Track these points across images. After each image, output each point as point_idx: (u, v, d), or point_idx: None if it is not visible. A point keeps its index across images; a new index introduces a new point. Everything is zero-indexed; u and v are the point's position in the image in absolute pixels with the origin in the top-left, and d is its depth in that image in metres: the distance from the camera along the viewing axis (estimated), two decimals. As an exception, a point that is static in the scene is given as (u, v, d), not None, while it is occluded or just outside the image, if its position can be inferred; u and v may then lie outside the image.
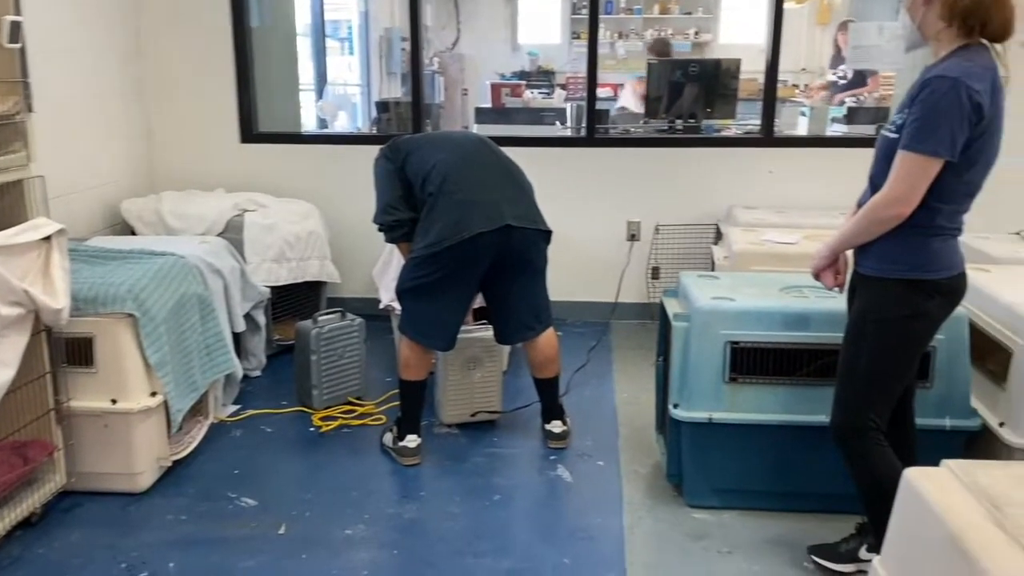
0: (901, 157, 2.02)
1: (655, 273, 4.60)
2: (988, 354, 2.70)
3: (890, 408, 2.23)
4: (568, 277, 4.65)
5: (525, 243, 2.97)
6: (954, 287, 2.16)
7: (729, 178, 4.50)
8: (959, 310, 2.57)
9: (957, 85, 1.92)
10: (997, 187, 4.31)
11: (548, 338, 3.17)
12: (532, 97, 6.41)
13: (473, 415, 3.34)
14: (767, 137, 4.50)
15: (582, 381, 3.84)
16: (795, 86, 8.01)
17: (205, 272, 3.29)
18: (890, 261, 2.13)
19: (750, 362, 2.63)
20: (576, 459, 3.10)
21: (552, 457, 3.11)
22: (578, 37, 9.29)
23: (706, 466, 2.72)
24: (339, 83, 7.85)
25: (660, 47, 6.58)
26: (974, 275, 2.97)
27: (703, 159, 4.53)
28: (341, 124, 6.71)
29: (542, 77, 9.14)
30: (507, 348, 3.73)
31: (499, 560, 2.45)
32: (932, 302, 2.15)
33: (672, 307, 2.88)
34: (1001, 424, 2.57)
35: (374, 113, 5.81)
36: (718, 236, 4.27)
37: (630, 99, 6.05)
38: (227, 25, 4.52)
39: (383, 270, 3.87)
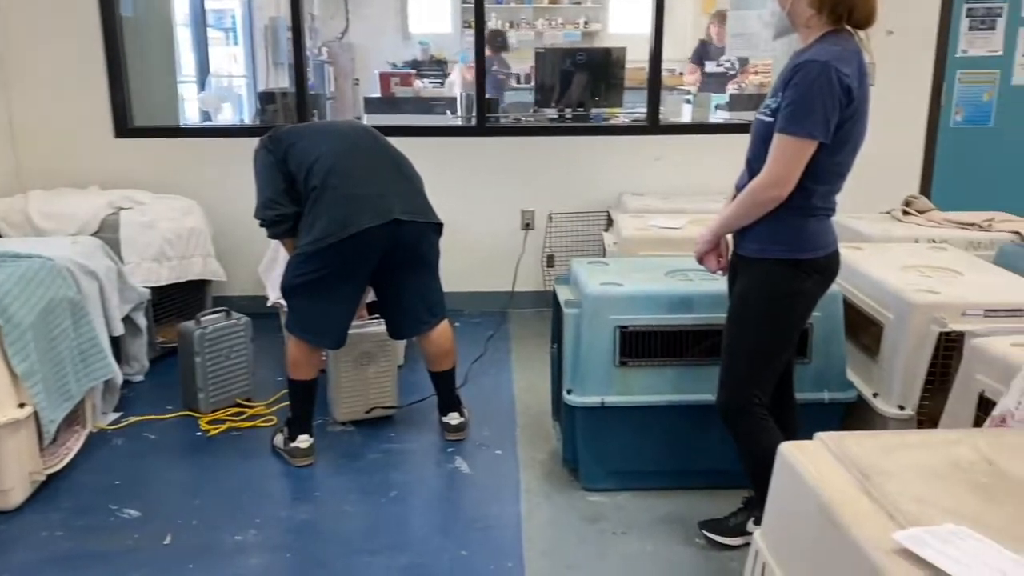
0: (777, 140, 2.08)
1: (550, 261, 4.63)
2: (862, 329, 2.83)
3: (772, 384, 2.30)
4: (464, 267, 4.64)
5: (415, 237, 2.92)
6: (829, 265, 2.24)
7: (618, 166, 4.56)
8: (833, 288, 2.68)
9: (827, 68, 1.99)
10: (870, 168, 4.54)
11: (443, 331, 3.14)
12: (423, 87, 6.34)
13: (368, 411, 3.28)
14: (653, 125, 4.59)
15: (480, 371, 3.83)
16: (682, 74, 8.20)
17: (77, 274, 3.12)
18: (769, 242, 2.19)
19: (639, 345, 2.67)
20: (474, 450, 3.09)
21: (450, 449, 3.09)
22: (469, 26, 9.24)
23: (600, 449, 2.75)
24: (223, 74, 7.58)
25: (495, 39, 6.60)
26: (848, 253, 3.11)
27: (593, 147, 4.58)
28: (226, 117, 6.48)
29: (434, 66, 9.07)
30: (402, 342, 3.68)
31: (395, 557, 2.41)
32: (809, 280, 2.22)
33: (564, 294, 2.89)
34: (875, 395, 2.70)
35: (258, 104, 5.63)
36: (609, 223, 4.32)
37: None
38: (95, 15, 4.28)
39: (269, 266, 3.76)
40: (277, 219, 2.92)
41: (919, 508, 1.28)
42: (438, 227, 3.02)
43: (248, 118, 7.04)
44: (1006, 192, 4.43)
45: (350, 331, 3.02)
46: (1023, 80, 4.59)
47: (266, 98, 5.34)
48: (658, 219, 3.76)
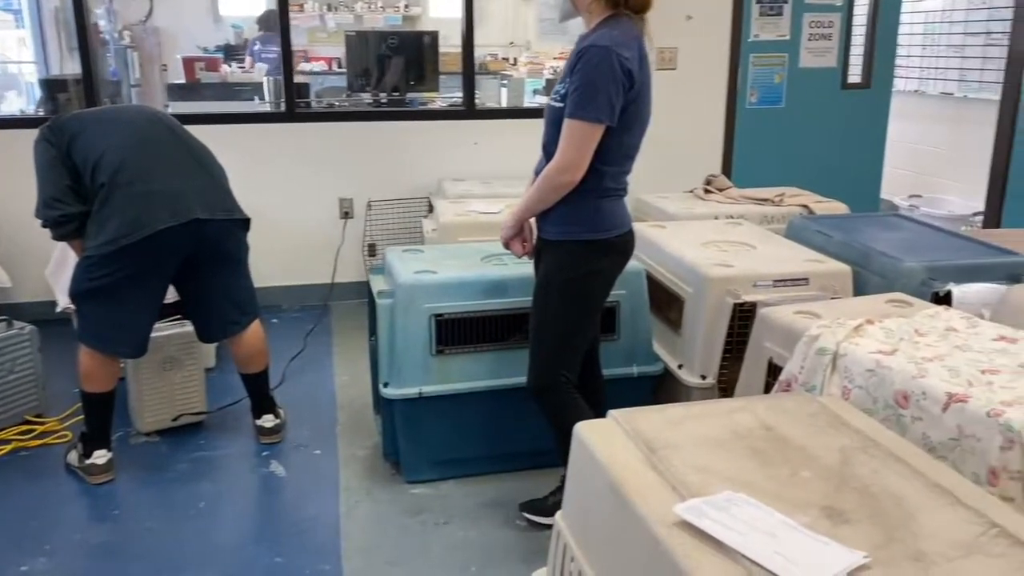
0: (567, 125, 2.10)
1: (371, 250, 4.53)
2: (666, 304, 2.94)
3: (579, 362, 2.34)
4: (280, 261, 4.46)
5: (219, 235, 2.75)
6: (624, 244, 2.30)
7: (437, 151, 4.52)
8: (636, 265, 2.78)
9: (608, 53, 2.03)
10: (676, 149, 4.73)
11: (254, 331, 2.98)
12: (231, 71, 6.03)
13: (175, 419, 3.08)
14: (470, 110, 4.58)
15: (299, 368, 3.69)
16: (505, 59, 8.26)
17: None
18: (567, 224, 2.22)
19: (455, 333, 2.65)
20: (291, 451, 2.97)
21: (265, 453, 2.95)
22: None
23: (421, 440, 2.71)
24: (8, 60, 6.90)
25: (267, 18, 6.43)
26: (653, 232, 3.22)
27: (410, 133, 4.51)
28: (10, 106, 5.90)
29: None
30: (212, 344, 3.48)
31: (202, 572, 2.27)
32: (606, 260, 2.28)
33: (378, 284, 2.82)
34: (680, 366, 2.81)
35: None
36: (430, 209, 4.28)
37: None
38: None
39: (57, 269, 3.45)
40: (61, 219, 2.67)
41: (701, 478, 1.32)
42: (244, 223, 2.85)
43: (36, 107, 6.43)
44: (797, 168, 4.74)
45: (152, 335, 2.81)
46: (809, 63, 4.93)
47: (54, 85, 4.89)
48: (477, 204, 3.75)
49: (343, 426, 3.16)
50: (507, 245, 2.40)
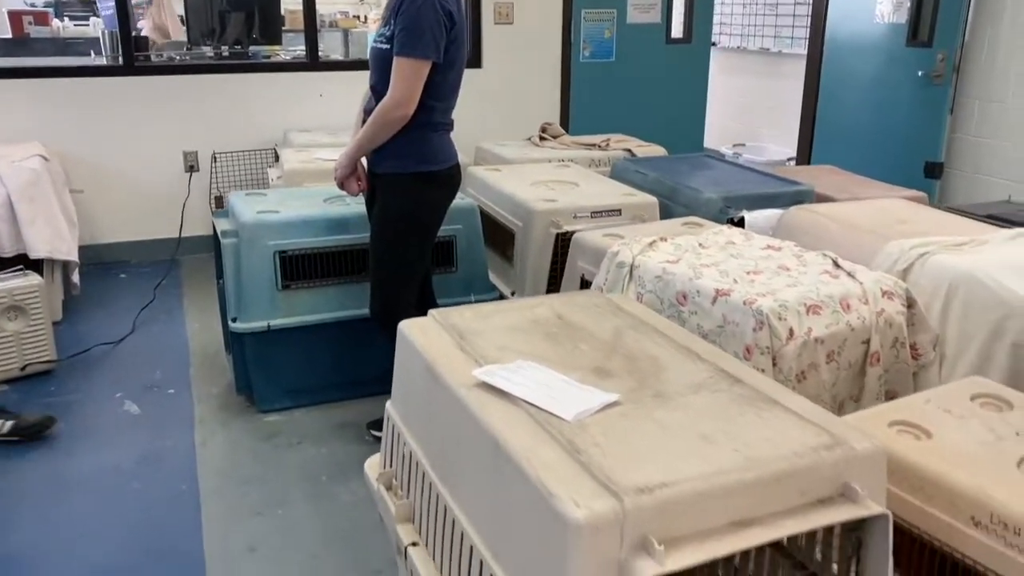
0: (397, 63, 2.30)
1: (219, 202, 4.57)
2: (499, 239, 3.21)
3: (416, 289, 2.57)
4: (125, 216, 4.45)
5: None
6: (452, 177, 2.53)
7: (282, 103, 4.59)
8: (470, 203, 3.02)
9: None
10: (516, 100, 4.97)
11: None
12: (63, 26, 5.81)
13: (23, 368, 3.10)
14: (313, 61, 4.66)
15: (149, 319, 3.74)
16: (356, 16, 8.27)
17: None
18: (401, 158, 2.43)
19: (300, 268, 2.81)
20: (144, 392, 3.06)
21: (118, 395, 3.03)
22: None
23: (272, 371, 2.88)
24: None
25: None
26: (488, 174, 3.47)
27: (255, 85, 4.56)
28: None
29: (84, 6, 8.27)
30: (58, 295, 3.49)
31: (59, 503, 2.37)
32: (439, 191, 2.50)
33: (222, 226, 2.94)
34: (513, 293, 3.09)
35: None
36: (277, 160, 4.36)
37: (149, 29, 5.76)
38: None
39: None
40: None
41: (500, 354, 1.57)
42: None
43: None
44: (628, 118, 5.11)
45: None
46: (636, 19, 5.29)
47: None
48: (322, 152, 3.88)
49: (196, 368, 3.27)
50: (342, 185, 2.58)
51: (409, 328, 1.72)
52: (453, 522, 1.44)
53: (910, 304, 2.17)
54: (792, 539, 1.41)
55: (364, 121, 2.45)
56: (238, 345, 2.86)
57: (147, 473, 2.53)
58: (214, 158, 4.47)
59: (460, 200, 3.03)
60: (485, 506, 1.36)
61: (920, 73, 5.04)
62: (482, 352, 1.58)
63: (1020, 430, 1.60)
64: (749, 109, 7.15)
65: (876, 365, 2.09)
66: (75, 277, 3.81)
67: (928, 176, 5.11)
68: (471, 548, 1.36)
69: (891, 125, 5.23)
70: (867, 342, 2.07)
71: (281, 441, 2.73)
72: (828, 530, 1.33)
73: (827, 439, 1.27)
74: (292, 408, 2.92)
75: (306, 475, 2.54)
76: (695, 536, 1.14)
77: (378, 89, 2.39)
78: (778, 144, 6.67)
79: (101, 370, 3.18)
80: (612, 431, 1.29)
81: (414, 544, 1.59)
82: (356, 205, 2.91)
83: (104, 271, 4.33)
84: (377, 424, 2.72)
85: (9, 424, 2.66)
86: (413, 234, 2.51)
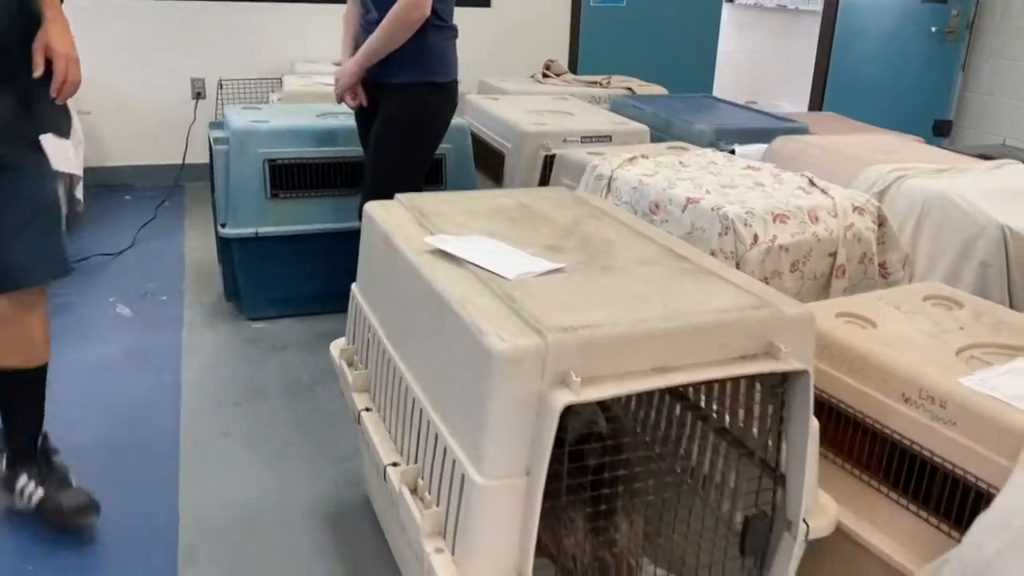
0: None
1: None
2: (489, 161, 3.23)
3: None
4: (132, 140, 4.51)
5: None
6: (456, 91, 2.55)
7: (291, 34, 4.62)
8: (461, 122, 3.05)
9: None
10: (524, 41, 4.96)
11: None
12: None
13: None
14: (323, -7, 4.67)
15: (150, 235, 3.81)
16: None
17: None
18: (412, 67, 2.42)
19: (289, 178, 2.86)
20: (138, 298, 3.13)
21: (112, 299, 3.10)
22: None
23: (259, 279, 2.93)
24: None
25: None
26: (484, 102, 3.50)
27: (265, 15, 4.58)
28: None
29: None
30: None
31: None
32: (446, 104, 2.53)
33: (215, 134, 2.98)
34: (500, 215, 3.12)
35: None
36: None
37: None
38: None
39: None
40: None
41: (457, 230, 1.61)
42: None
43: None
44: (635, 64, 5.09)
45: None
46: (648, -34, 5.26)
47: None
48: (323, 77, 3.90)
49: (190, 280, 3.34)
50: (342, 97, 2.54)
51: (374, 208, 1.76)
52: (400, 381, 1.49)
53: (881, 222, 2.19)
54: (715, 404, 1.45)
55: (357, 47, 2.45)
56: (227, 252, 2.92)
57: (132, 366, 2.61)
58: (220, 85, 4.51)
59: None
60: (428, 361, 1.41)
61: (933, 29, 4.98)
62: (440, 228, 1.62)
63: (965, 325, 1.62)
64: (763, 67, 7.09)
65: (842, 278, 2.11)
66: (79, 193, 3.88)
67: (936, 134, 5.07)
68: (413, 401, 1.42)
69: (902, 82, 5.18)
70: (833, 254, 2.09)
71: (265, 345, 2.80)
72: (751, 392, 1.37)
73: (755, 301, 1.31)
74: (279, 317, 2.98)
75: (286, 375, 2.61)
76: (615, 376, 1.18)
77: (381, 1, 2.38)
78: (791, 102, 6.62)
79: (98, 278, 3.25)
80: (551, 289, 1.34)
81: (367, 410, 1.65)
82: (347, 119, 2.94)
83: (110, 192, 4.40)
84: None
85: (38, 495, 1.85)
86: (419, 146, 2.51)
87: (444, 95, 2.51)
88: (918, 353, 1.49)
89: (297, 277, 2.97)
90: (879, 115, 5.17)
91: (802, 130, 3.25)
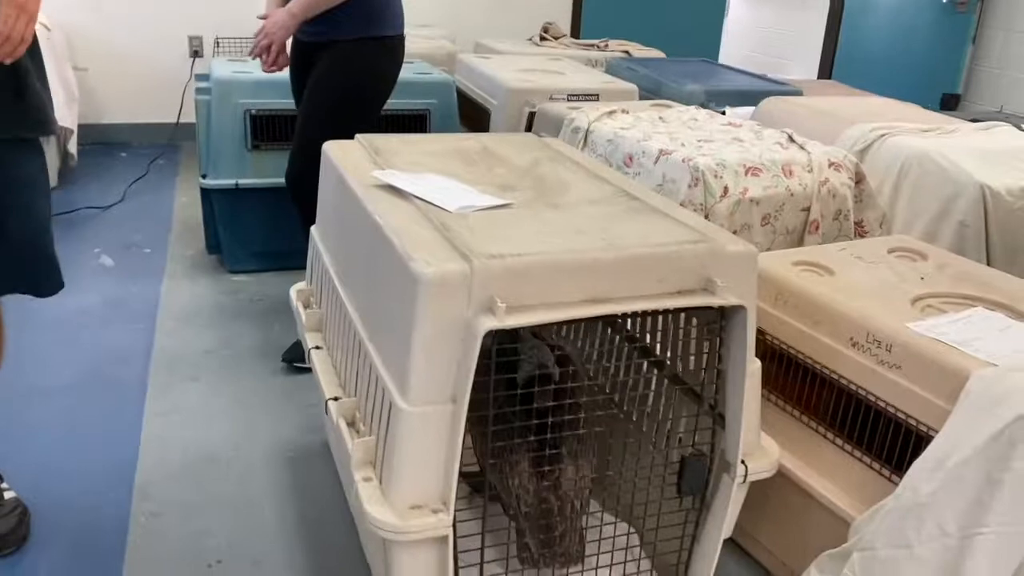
0: None
1: (221, 90, 4.59)
2: (475, 117, 3.21)
3: None
4: (128, 98, 4.51)
5: None
6: (403, 47, 2.36)
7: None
8: (445, 76, 3.01)
9: None
10: (527, 9, 4.90)
11: None
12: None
13: None
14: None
15: (140, 190, 3.81)
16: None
17: None
18: (362, 20, 2.24)
19: (270, 130, 2.84)
20: (122, 249, 3.13)
21: (96, 249, 3.11)
22: None
23: (240, 231, 2.93)
24: None
25: None
26: (475, 60, 3.46)
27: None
28: None
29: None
30: (54, 162, 3.57)
31: (21, 332, 2.46)
32: (394, 63, 2.34)
33: (199, 85, 2.97)
34: (484, 173, 3.10)
35: None
36: (278, 49, 4.37)
37: None
38: None
39: None
40: None
41: (411, 167, 1.59)
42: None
43: None
44: (639, 32, 5.02)
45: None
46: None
47: None
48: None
49: (176, 234, 3.34)
50: (265, 50, 2.24)
51: (332, 147, 1.74)
52: (345, 316, 1.48)
53: (859, 179, 2.15)
54: (659, 344, 1.43)
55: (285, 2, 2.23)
56: (208, 204, 2.91)
57: (109, 314, 2.61)
58: (217, 43, 4.48)
59: (436, 74, 3.04)
60: (367, 294, 1.40)
61: (945, 0, 4.88)
62: (394, 167, 1.59)
63: (927, 276, 1.59)
64: (772, 39, 6.98)
65: (815, 233, 2.07)
66: (72, 147, 3.88)
67: (944, 109, 4.98)
68: (355, 335, 1.40)
69: (910, 55, 5.10)
70: (807, 210, 2.06)
71: (243, 297, 2.79)
72: (690, 329, 1.35)
73: (696, 236, 1.28)
74: (259, 271, 2.98)
75: (260, 326, 2.60)
76: (545, 306, 1.17)
77: None
78: (800, 75, 6.52)
79: (84, 229, 3.26)
80: (491, 222, 1.31)
81: (317, 348, 1.64)
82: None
83: (105, 149, 4.40)
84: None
85: None
86: (363, 107, 2.29)
87: (391, 51, 2.30)
88: (872, 300, 1.46)
89: (276, 231, 2.95)
90: (887, 87, 5.08)
91: (795, 93, 3.20)
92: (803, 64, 6.44)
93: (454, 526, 1.20)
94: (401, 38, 2.36)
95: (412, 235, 1.24)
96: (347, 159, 1.65)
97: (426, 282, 1.12)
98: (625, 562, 1.47)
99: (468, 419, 1.43)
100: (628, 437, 1.51)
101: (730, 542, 1.71)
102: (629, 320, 1.48)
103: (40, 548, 1.63)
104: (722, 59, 5.71)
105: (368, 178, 1.50)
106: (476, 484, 1.67)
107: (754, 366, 1.31)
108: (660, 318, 1.39)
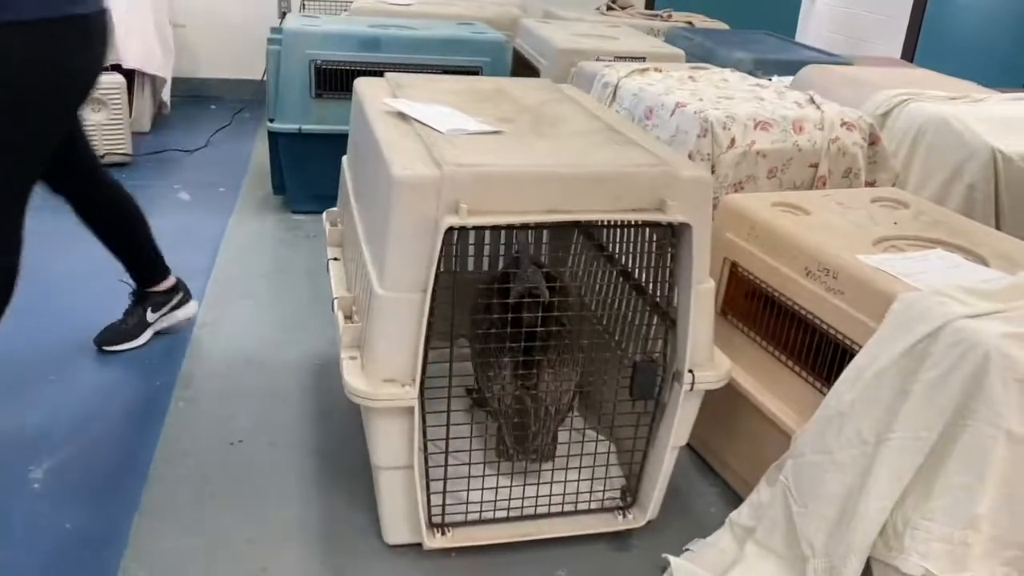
0: None
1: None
2: (525, 74, 3.35)
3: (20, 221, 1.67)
4: (220, 54, 4.83)
5: None
6: (104, 28, 1.68)
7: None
8: (499, 35, 3.17)
9: None
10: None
11: None
12: None
13: (103, 156, 3.52)
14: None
15: (223, 138, 4.12)
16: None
17: None
18: None
19: (332, 80, 3.06)
20: (200, 187, 3.43)
21: (176, 186, 3.41)
22: None
23: (302, 174, 3.17)
24: None
25: None
26: (534, 24, 3.60)
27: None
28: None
29: None
30: (148, 108, 3.92)
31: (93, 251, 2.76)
32: (96, 48, 1.68)
33: (271, 36, 3.21)
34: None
35: None
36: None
37: None
38: None
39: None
40: None
41: (427, 102, 1.76)
42: None
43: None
44: (714, 9, 5.05)
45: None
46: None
47: None
48: (396, -1, 4.09)
49: (250, 177, 3.61)
50: None
51: (360, 83, 1.93)
52: (355, 228, 1.67)
53: (873, 141, 2.21)
54: (627, 257, 1.56)
55: None
56: (274, 147, 3.16)
57: (179, 239, 2.88)
58: (303, 6, 4.76)
59: (490, 34, 3.20)
60: (367, 203, 1.58)
61: (1034, -19, 4.73)
62: (410, 96, 1.77)
63: (900, 221, 1.67)
64: (857, 17, 6.84)
65: (822, 189, 2.15)
66: (165, 96, 4.23)
67: (1027, 94, 4.83)
68: (358, 242, 1.59)
69: (998, 39, 4.95)
70: (815, 166, 2.14)
71: (300, 233, 3.04)
72: (650, 244, 1.48)
73: (654, 160, 1.41)
74: (319, 212, 3.19)
75: (313, 259, 2.84)
76: (507, 212, 1.32)
77: None
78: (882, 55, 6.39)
79: (168, 169, 3.57)
80: (475, 143, 1.48)
81: (335, 259, 1.84)
82: (397, 31, 3.11)
83: (196, 101, 4.75)
84: None
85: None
86: (51, 107, 1.63)
87: (94, 33, 1.63)
88: (834, 237, 1.56)
89: (336, 175, 3.17)
90: (972, 72, 4.97)
91: (844, 64, 3.22)
92: (886, 47, 6.31)
93: (422, 400, 1.37)
94: (102, 17, 1.63)
95: (400, 147, 1.42)
96: (369, 92, 1.84)
97: (400, 183, 1.30)
98: (594, 466, 1.62)
99: (468, 336, 1.62)
100: (602, 349, 1.66)
101: (702, 463, 1.84)
102: (603, 234, 1.62)
103: (94, 416, 1.89)
104: (801, 38, 5.67)
105: (381, 105, 1.68)
106: (479, 400, 1.84)
107: (706, 286, 1.43)
108: (624, 232, 1.53)
